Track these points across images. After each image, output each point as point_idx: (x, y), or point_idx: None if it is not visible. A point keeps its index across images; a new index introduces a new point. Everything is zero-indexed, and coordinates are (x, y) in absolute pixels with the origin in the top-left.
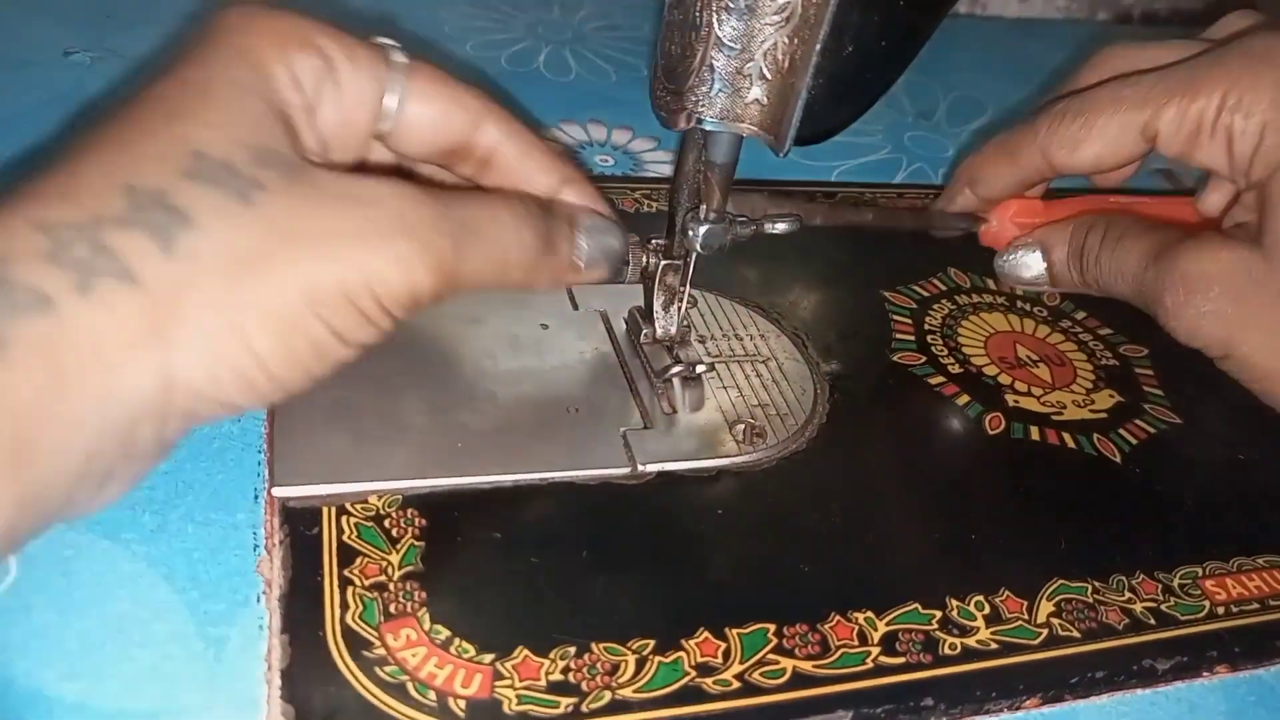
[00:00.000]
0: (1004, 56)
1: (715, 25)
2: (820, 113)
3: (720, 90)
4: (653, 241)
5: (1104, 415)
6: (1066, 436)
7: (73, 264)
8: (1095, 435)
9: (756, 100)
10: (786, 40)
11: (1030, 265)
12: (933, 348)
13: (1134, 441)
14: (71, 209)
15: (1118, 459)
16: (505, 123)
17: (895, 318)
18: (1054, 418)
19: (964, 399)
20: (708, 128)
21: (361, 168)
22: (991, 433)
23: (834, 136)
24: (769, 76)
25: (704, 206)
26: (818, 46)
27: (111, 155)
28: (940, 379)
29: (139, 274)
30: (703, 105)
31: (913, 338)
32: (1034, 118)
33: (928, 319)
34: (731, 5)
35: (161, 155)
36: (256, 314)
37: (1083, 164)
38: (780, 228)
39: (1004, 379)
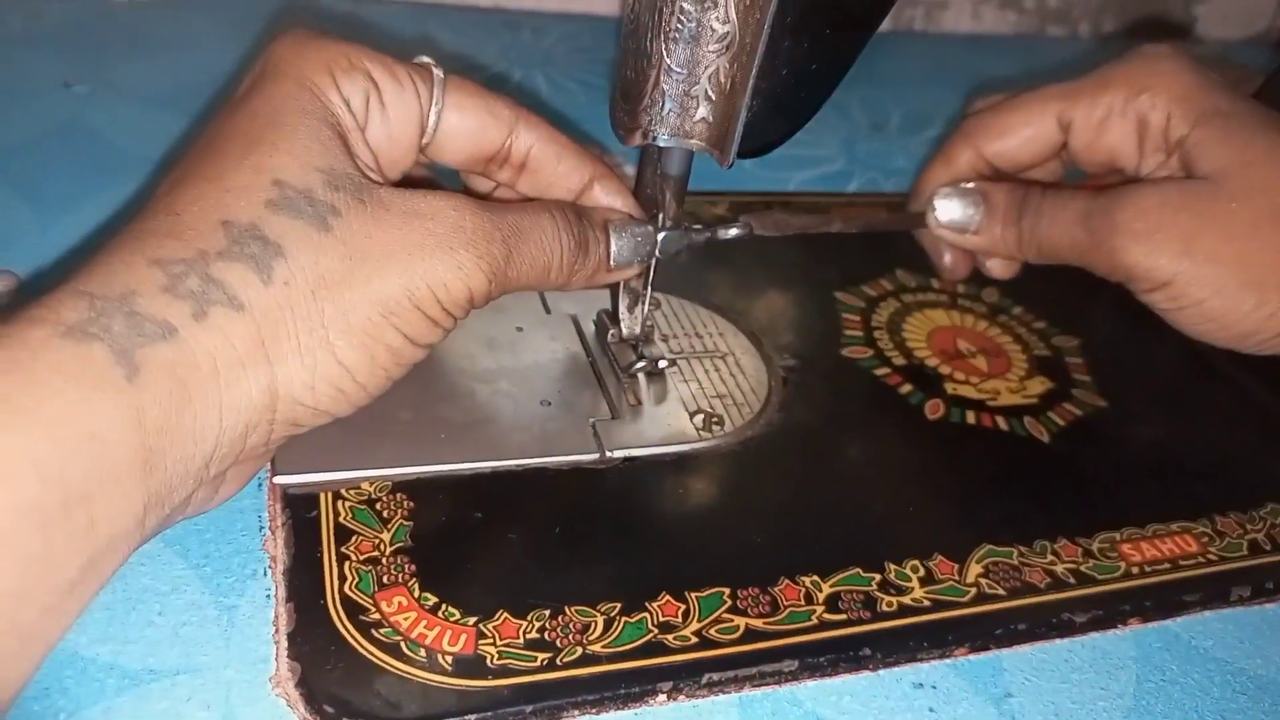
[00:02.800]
0: (955, 71)
1: (664, 54)
2: (760, 128)
3: (671, 110)
4: None
5: (1035, 400)
6: (1000, 420)
7: (188, 295)
8: (1026, 418)
9: (703, 119)
10: (727, 65)
11: (965, 211)
12: (879, 342)
13: (1062, 423)
14: (180, 246)
15: (1046, 439)
16: (537, 127)
17: (845, 315)
18: (989, 403)
19: (907, 388)
20: (661, 144)
21: (407, 180)
22: (931, 418)
23: (775, 149)
24: (713, 98)
25: (661, 216)
26: (754, 70)
27: (204, 190)
28: (885, 370)
29: (244, 301)
30: (656, 124)
31: (861, 333)
32: (962, 121)
33: (875, 316)
34: (678, 35)
35: (249, 187)
36: (341, 329)
37: (1007, 149)
38: (732, 234)
39: (944, 369)
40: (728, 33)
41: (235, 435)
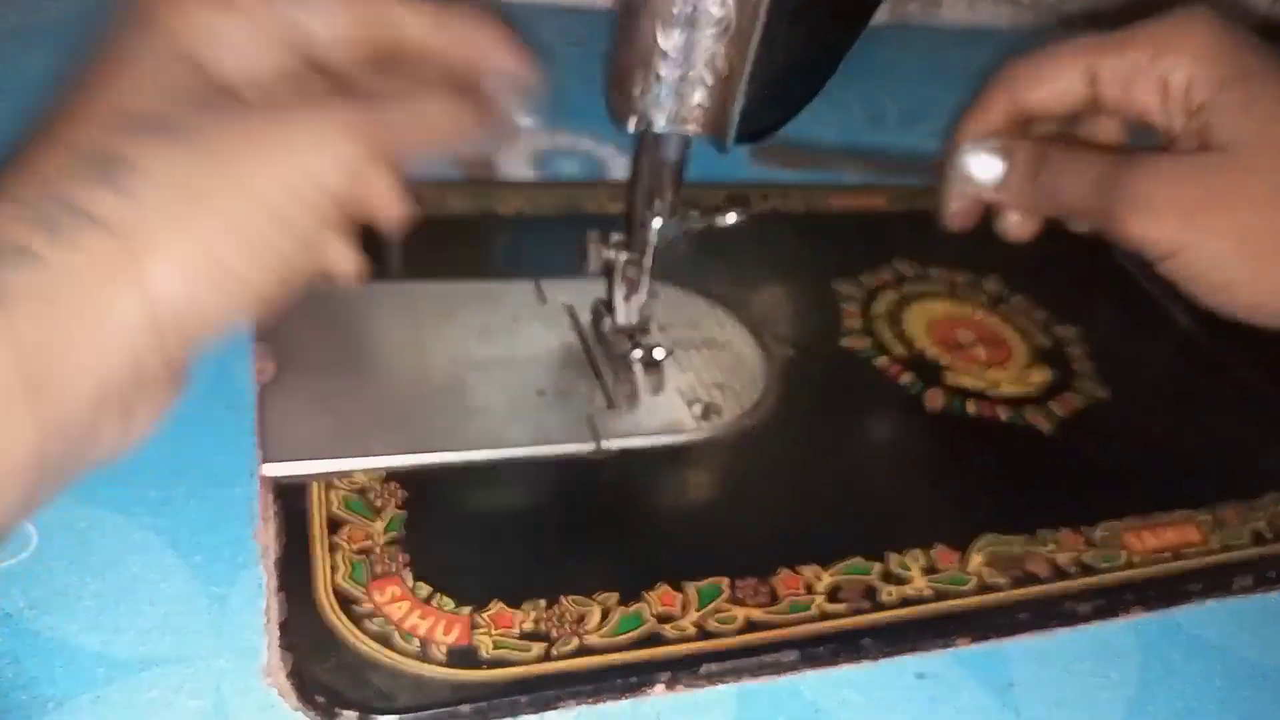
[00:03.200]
0: (951, 63)
1: (661, 38)
2: (756, 114)
3: (667, 96)
4: (614, 237)
5: (1036, 390)
6: (1001, 410)
7: (41, 220)
8: (1027, 408)
9: (699, 104)
10: (724, 50)
11: (989, 166)
12: (878, 333)
13: (1062, 414)
14: (32, 179)
15: (1047, 429)
16: (414, 11)
17: (844, 306)
18: (989, 393)
19: (907, 378)
20: (658, 129)
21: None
22: (931, 408)
23: (771, 135)
24: (709, 83)
25: (658, 203)
26: (751, 55)
27: (55, 130)
28: (885, 360)
29: (99, 215)
30: (652, 110)
31: (860, 323)
32: (996, 76)
33: (874, 307)
34: (675, 20)
35: (96, 115)
36: (215, 229)
37: (1039, 99)
38: (730, 221)
39: (944, 360)
40: (724, 17)
41: (124, 356)
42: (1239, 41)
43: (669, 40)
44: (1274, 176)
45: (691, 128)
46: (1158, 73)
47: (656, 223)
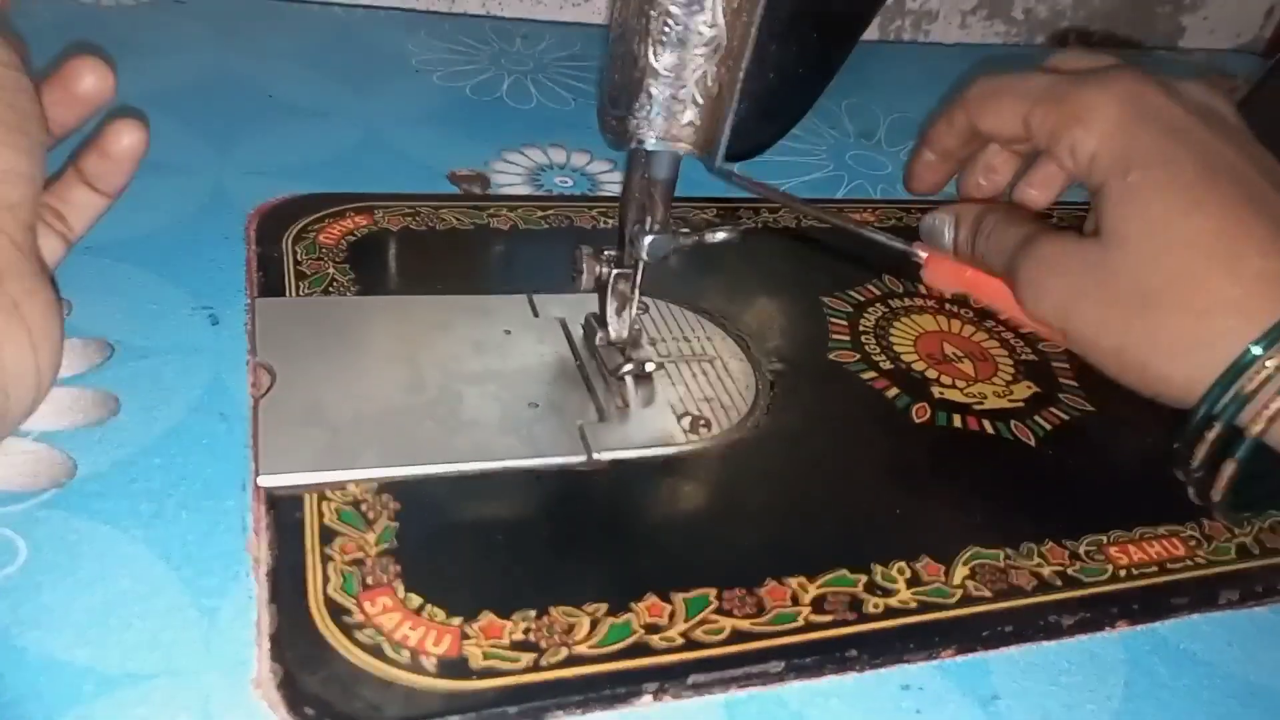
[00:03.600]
0: (943, 80)
1: (652, 57)
2: (748, 132)
3: (658, 114)
4: (605, 252)
5: (1021, 404)
6: (986, 423)
7: None
8: (1013, 422)
9: (691, 122)
10: (715, 69)
11: (943, 232)
12: (866, 347)
13: (1048, 427)
14: None
15: (1033, 442)
16: None
17: (832, 320)
18: (975, 407)
19: (893, 392)
20: (649, 147)
21: None
22: (918, 421)
23: (762, 152)
24: (701, 101)
25: (649, 219)
26: (741, 74)
27: None
28: (872, 374)
29: None
30: (643, 128)
31: (848, 338)
32: (964, 92)
33: (862, 321)
34: (665, 39)
35: None
36: None
37: (989, 127)
38: (720, 237)
39: (931, 373)
40: (715, 36)
41: None
42: (1151, 120)
43: (660, 59)
44: (1147, 275)
45: (683, 146)
46: (1069, 141)
47: (647, 240)
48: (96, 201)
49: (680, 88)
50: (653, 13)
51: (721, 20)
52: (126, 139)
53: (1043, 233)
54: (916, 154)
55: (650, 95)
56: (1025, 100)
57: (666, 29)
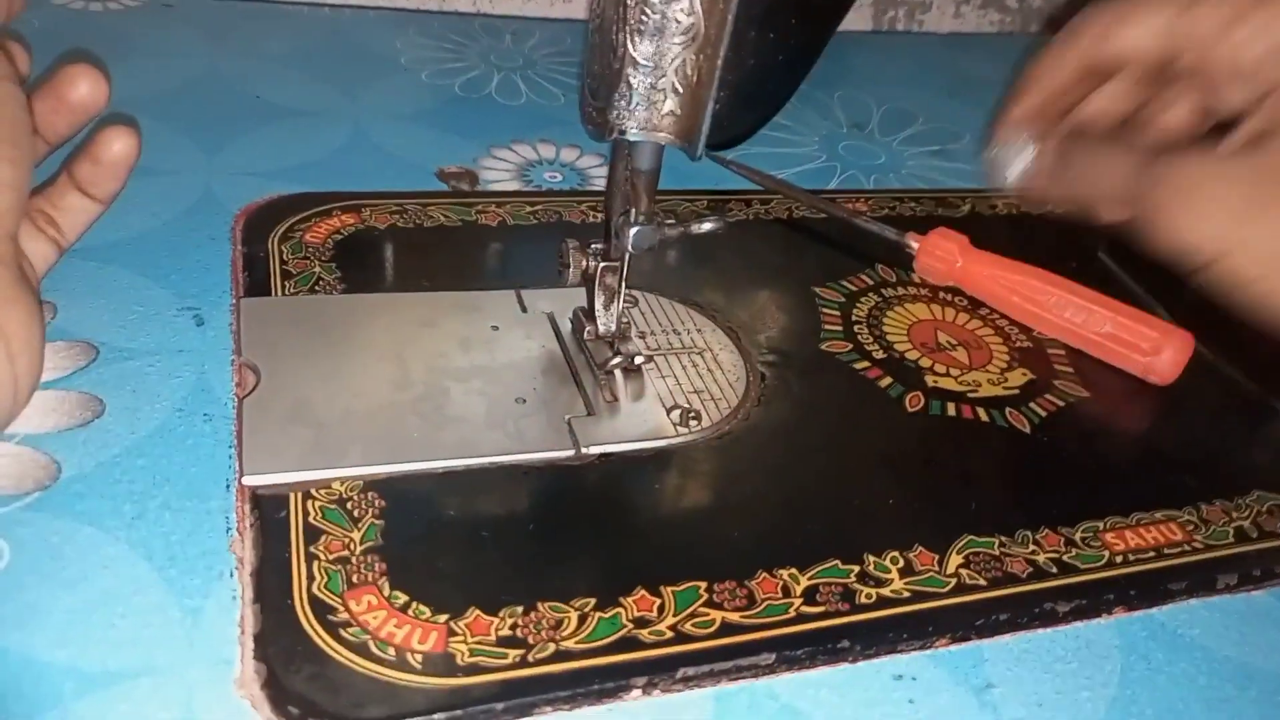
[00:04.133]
0: (936, 70)
1: (630, 46)
2: (729, 121)
3: (638, 104)
4: (592, 246)
5: (1016, 391)
6: (980, 411)
7: None
8: (1007, 409)
9: (671, 112)
10: (693, 58)
11: (1018, 159)
12: (859, 336)
13: (1043, 414)
14: None
15: (1028, 430)
16: None
17: (824, 310)
18: (969, 395)
19: (886, 381)
20: (630, 138)
21: None
22: (911, 410)
23: (743, 142)
24: (680, 90)
25: (633, 211)
26: (720, 62)
27: None
28: (865, 364)
29: None
30: (624, 118)
31: (840, 328)
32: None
33: (855, 311)
34: (643, 28)
35: None
36: None
37: (1120, 48)
38: (705, 227)
39: (924, 362)
40: (692, 25)
41: None
42: None
43: (639, 49)
44: None
45: (663, 136)
46: (1243, 34)
47: (632, 231)
48: (89, 207)
49: (660, 77)
50: (630, 1)
51: (698, 8)
52: (118, 145)
53: (1178, 149)
54: (1011, 110)
55: (630, 85)
56: (1169, 5)
57: (644, 18)
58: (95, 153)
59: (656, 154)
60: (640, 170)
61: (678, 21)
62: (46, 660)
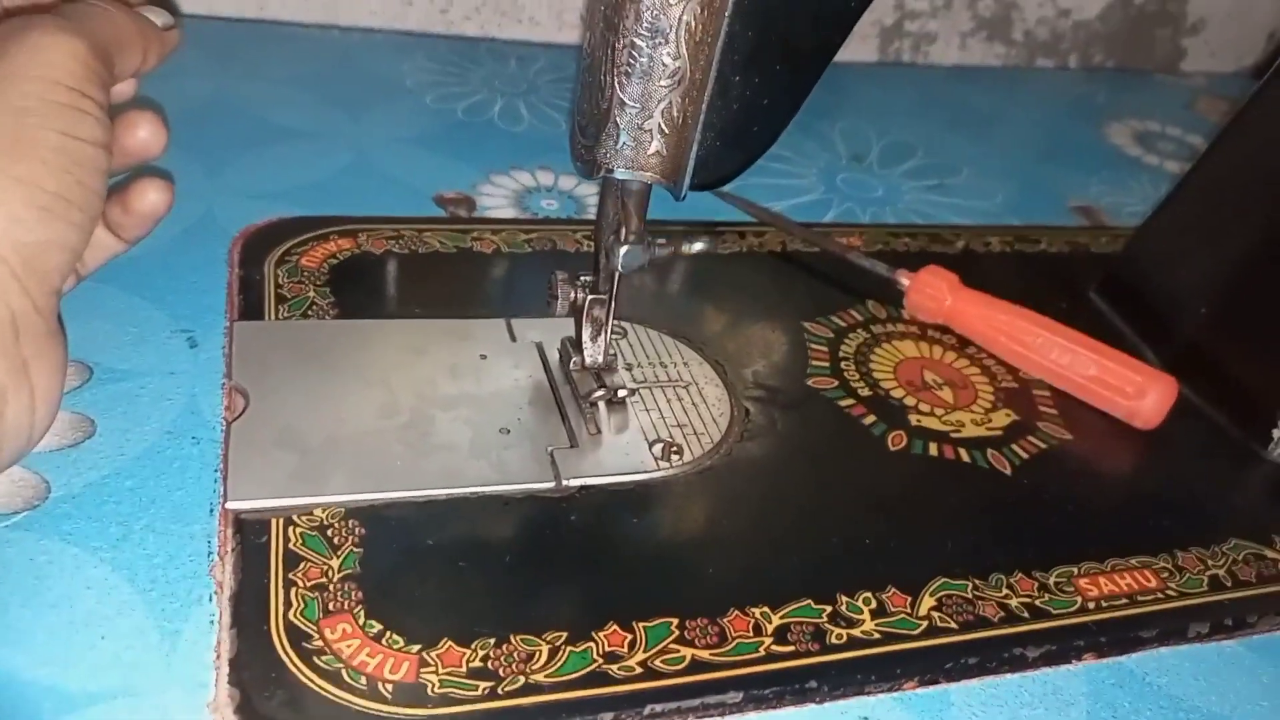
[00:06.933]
0: (939, 102)
1: (618, 88)
2: (714, 162)
3: (625, 144)
4: (581, 278)
5: (999, 432)
6: (963, 452)
7: None
8: (989, 450)
9: (657, 152)
10: (679, 100)
11: None
12: (845, 373)
13: (1025, 456)
14: None
15: (1009, 471)
16: None
17: (812, 346)
18: (952, 435)
19: (870, 419)
20: (618, 176)
21: None
22: (893, 449)
23: (729, 182)
24: (666, 131)
25: (624, 230)
26: (705, 105)
27: None
28: (850, 401)
29: None
30: (611, 157)
31: (828, 364)
32: None
33: (843, 347)
34: (631, 70)
35: None
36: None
37: None
38: (696, 247)
39: (909, 401)
40: (678, 68)
41: None
42: None
43: (626, 90)
44: None
45: (649, 175)
46: None
47: (622, 250)
48: (113, 245)
49: (646, 118)
50: (618, 44)
51: (684, 52)
52: (153, 196)
53: None
54: None
55: (617, 125)
56: None
57: (631, 60)
58: (129, 202)
59: (645, 190)
60: (631, 190)
61: (664, 65)
62: (28, 679)
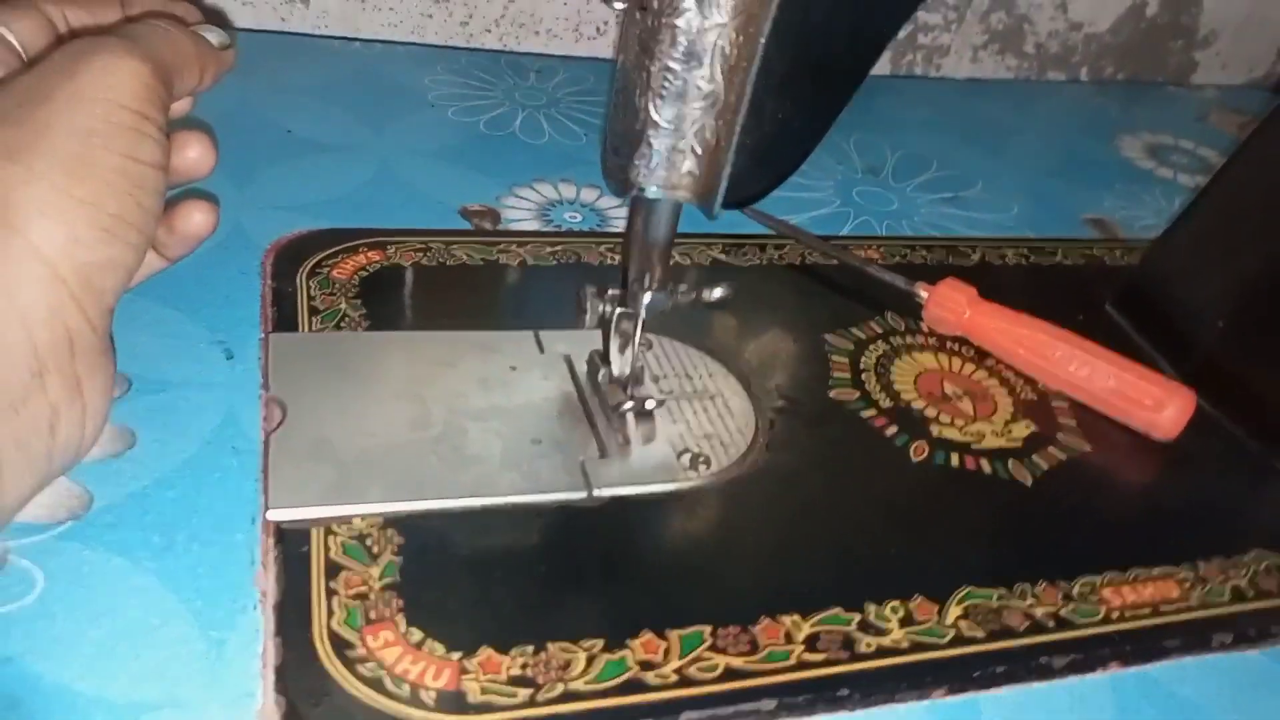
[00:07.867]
0: (954, 115)
1: (653, 110)
2: (745, 181)
3: (659, 164)
4: (609, 292)
5: (1019, 444)
6: (984, 462)
7: None
8: (1010, 461)
9: (690, 172)
10: (713, 122)
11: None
12: (866, 385)
13: (1045, 467)
14: None
15: (1029, 482)
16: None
17: (834, 358)
18: (973, 446)
19: (892, 430)
20: (650, 195)
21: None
22: (915, 460)
23: (760, 200)
24: (699, 152)
25: (648, 277)
26: (738, 127)
27: None
28: (872, 412)
29: None
30: (644, 177)
31: (849, 375)
32: None
33: (863, 359)
34: (665, 93)
35: None
36: (60, 170)
37: None
38: (716, 295)
39: (930, 412)
40: (712, 91)
41: (40, 316)
42: None
43: (660, 112)
44: None
45: (681, 194)
46: None
47: (646, 298)
48: (155, 263)
49: (680, 139)
50: (653, 67)
51: (719, 76)
52: (198, 218)
53: None
54: None
55: (651, 146)
56: None
57: (666, 83)
58: (174, 222)
59: (673, 220)
60: (656, 241)
61: (698, 88)
62: (77, 690)
